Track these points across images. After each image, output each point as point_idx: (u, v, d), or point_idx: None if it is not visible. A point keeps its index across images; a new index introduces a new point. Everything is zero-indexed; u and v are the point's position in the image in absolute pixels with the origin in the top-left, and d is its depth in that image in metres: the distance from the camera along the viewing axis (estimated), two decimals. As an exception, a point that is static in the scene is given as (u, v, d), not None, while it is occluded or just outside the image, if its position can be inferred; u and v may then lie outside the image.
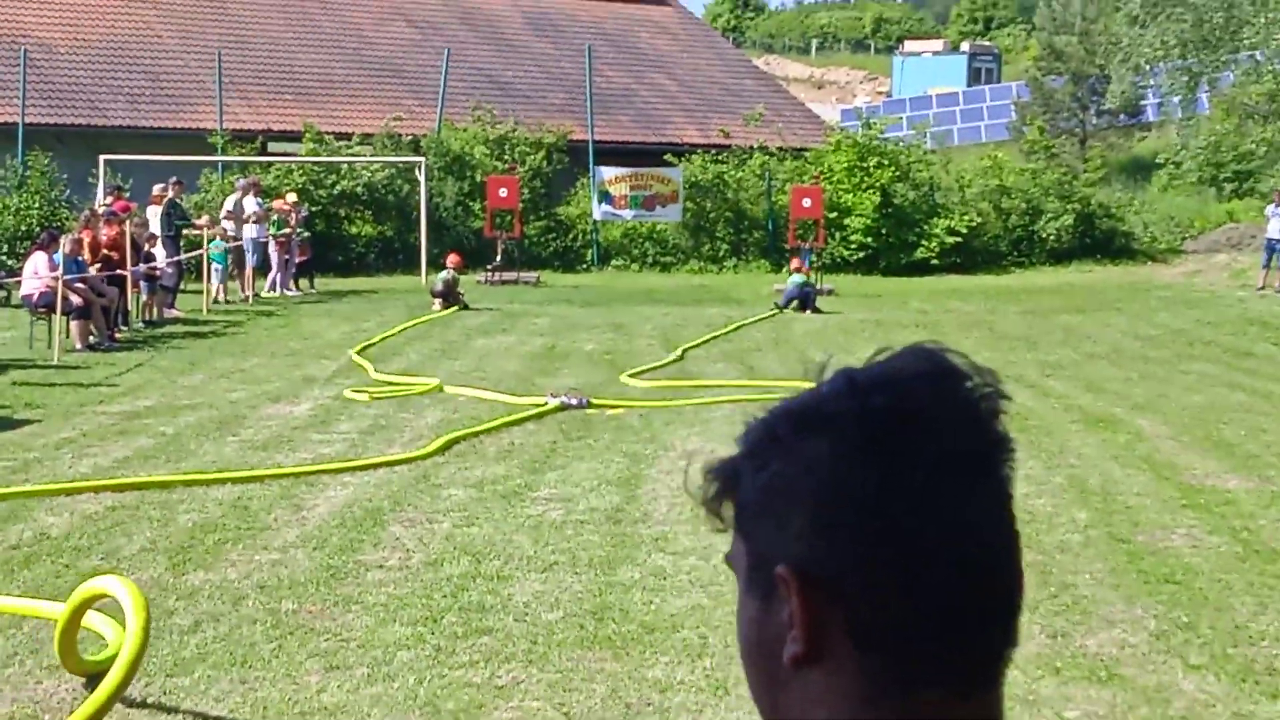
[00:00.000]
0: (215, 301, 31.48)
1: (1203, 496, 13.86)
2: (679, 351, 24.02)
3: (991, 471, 1.56)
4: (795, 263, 33.63)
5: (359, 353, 23.55)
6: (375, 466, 14.85)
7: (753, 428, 1.62)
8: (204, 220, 32.73)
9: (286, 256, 34.38)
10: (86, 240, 25.55)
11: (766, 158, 45.67)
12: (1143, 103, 58.34)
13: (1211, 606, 10.41)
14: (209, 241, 31.68)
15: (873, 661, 1.52)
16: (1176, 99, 47.29)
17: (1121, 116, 60.12)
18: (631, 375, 21.67)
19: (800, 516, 1.54)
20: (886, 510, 1.51)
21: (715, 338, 26.49)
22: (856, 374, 1.59)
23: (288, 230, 34.11)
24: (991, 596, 1.55)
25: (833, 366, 1.63)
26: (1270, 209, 37.64)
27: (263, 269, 34.05)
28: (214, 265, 32.11)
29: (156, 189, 31.59)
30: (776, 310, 30.98)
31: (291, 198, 35.80)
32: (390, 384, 20.51)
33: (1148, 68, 47.16)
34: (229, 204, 34.00)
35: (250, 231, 33.12)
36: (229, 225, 33.19)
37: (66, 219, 33.23)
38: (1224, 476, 14.90)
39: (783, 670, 1.55)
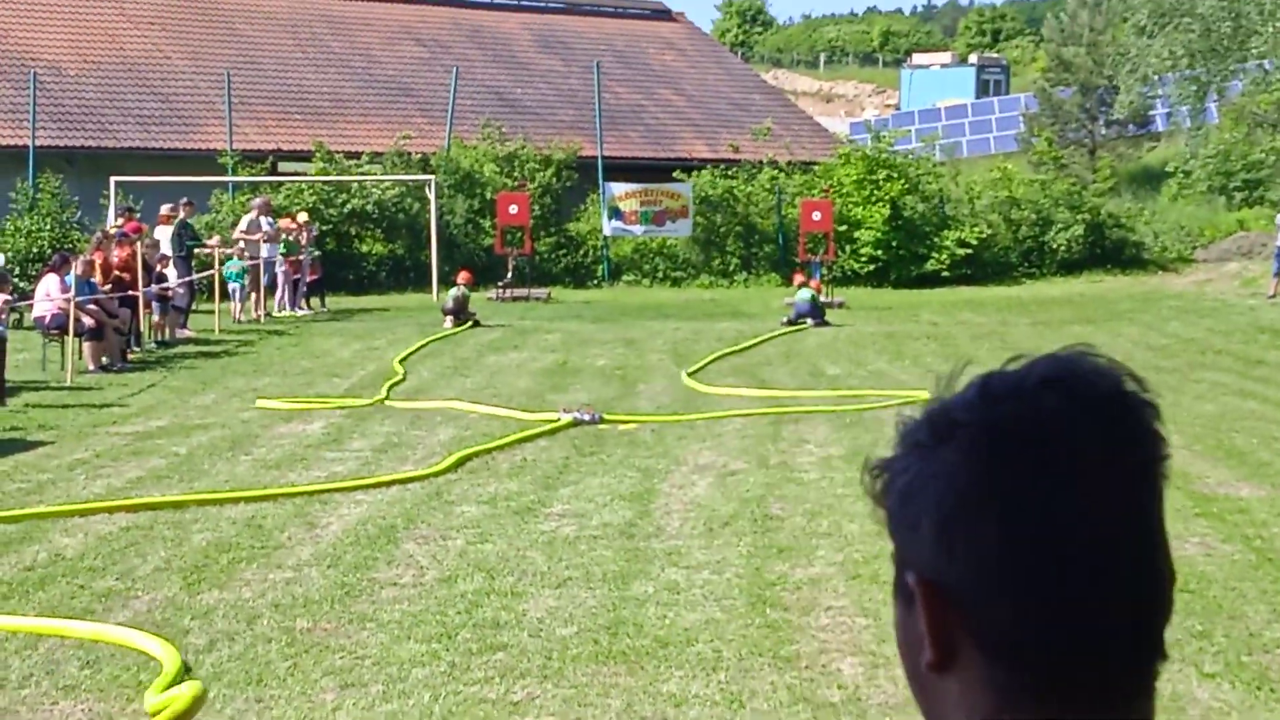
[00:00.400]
0: (235, 321, 31.61)
1: (1215, 505, 13.85)
2: (690, 370, 23.96)
3: (1127, 481, 1.53)
4: (800, 279, 33.54)
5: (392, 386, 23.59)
6: (388, 484, 14.87)
7: (902, 431, 1.62)
8: (215, 240, 32.75)
9: (297, 276, 34.42)
10: (98, 262, 25.59)
11: (776, 172, 45.68)
12: (1151, 113, 58.31)
13: (1225, 615, 10.40)
14: (224, 261, 31.72)
15: (1002, 673, 1.51)
16: (1185, 108, 47.28)
17: (1130, 127, 60.07)
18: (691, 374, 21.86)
19: (929, 524, 1.54)
20: (1010, 520, 1.49)
21: (731, 353, 26.45)
22: (990, 380, 1.57)
23: (299, 249, 34.15)
24: (1127, 608, 1.52)
25: (967, 373, 1.62)
26: (1279, 217, 37.60)
27: (274, 288, 34.09)
28: (231, 285, 32.20)
29: (165, 209, 31.64)
30: (792, 327, 30.82)
31: (302, 217, 35.84)
32: (317, 400, 20.70)
33: (1156, 78, 47.14)
34: (243, 223, 34.05)
35: (262, 251, 33.17)
36: (243, 244, 33.23)
37: (78, 241, 33.27)
38: (1236, 485, 14.89)
39: (924, 675, 1.56)
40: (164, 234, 30.58)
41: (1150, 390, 1.58)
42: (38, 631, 9.93)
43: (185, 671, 9.00)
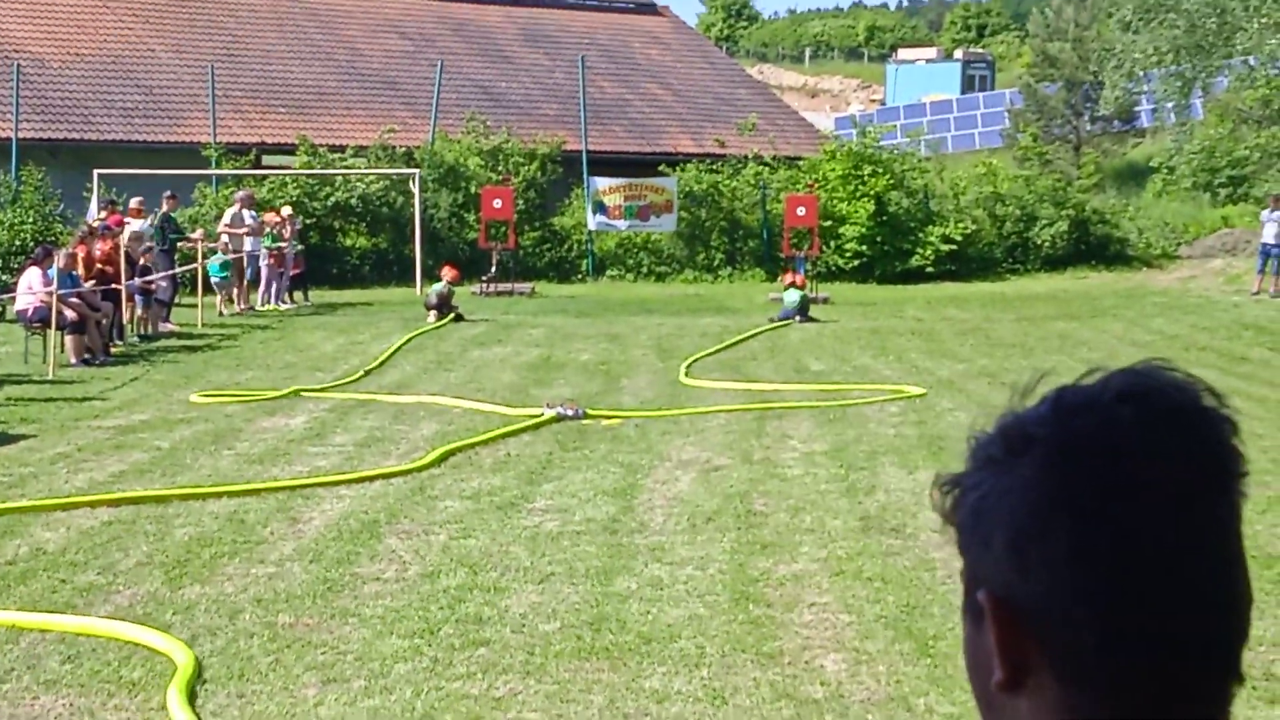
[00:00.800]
0: (220, 315, 31.60)
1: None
2: (684, 366, 23.91)
3: (1204, 498, 1.50)
4: (789, 277, 33.48)
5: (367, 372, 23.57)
6: (371, 479, 14.84)
7: (975, 445, 1.59)
8: (199, 235, 32.67)
9: (281, 269, 34.36)
10: (81, 255, 25.52)
11: (761, 167, 45.68)
12: (1136, 109, 58.38)
13: (1209, 612, 10.37)
14: (207, 255, 31.66)
15: (1073, 694, 1.49)
16: (1170, 105, 47.33)
17: (1115, 123, 60.11)
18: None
19: (1001, 540, 1.52)
20: (1085, 537, 1.47)
21: (716, 351, 26.39)
22: (1064, 394, 1.55)
23: (282, 243, 34.09)
24: (1205, 630, 1.49)
25: (1043, 384, 1.60)
26: (1265, 214, 37.66)
27: (256, 282, 34.04)
28: (214, 279, 32.14)
29: (134, 202, 31.45)
30: (778, 324, 30.79)
31: (286, 210, 35.75)
32: (244, 392, 20.77)
33: (1141, 74, 47.15)
34: (227, 217, 33.99)
35: (245, 245, 33.12)
36: (226, 238, 33.18)
37: (61, 234, 33.24)
38: (1220, 482, 14.85)
39: (992, 694, 1.53)
40: (136, 227, 30.41)
41: (1228, 405, 1.56)
42: (72, 629, 9.90)
43: (199, 670, 8.98)
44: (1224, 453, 1.52)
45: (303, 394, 20.54)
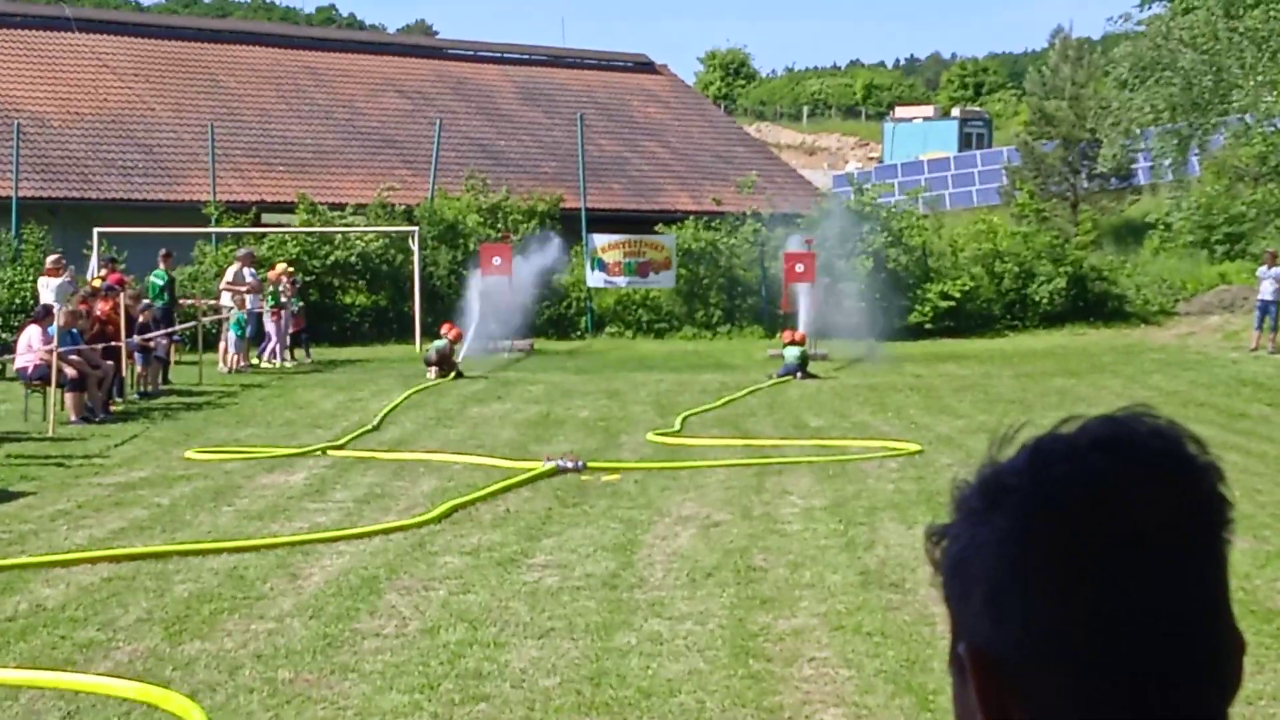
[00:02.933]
0: (230, 371, 31.76)
1: (1198, 557, 13.82)
2: (678, 420, 23.96)
3: (1187, 547, 1.48)
4: (788, 335, 33.46)
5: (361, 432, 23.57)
6: (371, 535, 14.83)
7: (957, 496, 1.58)
8: (197, 298, 32.78)
9: (279, 326, 34.39)
10: (84, 313, 25.59)
11: (759, 224, 45.76)
12: (1133, 166, 58.51)
13: (1209, 666, 10.37)
14: (205, 314, 31.72)
15: None
16: (1167, 162, 47.46)
17: (1112, 180, 60.24)
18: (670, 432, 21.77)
19: (980, 593, 1.51)
20: (1062, 590, 1.46)
21: (717, 406, 26.39)
22: (1041, 443, 1.53)
23: (283, 301, 34.16)
24: (1188, 682, 1.46)
25: (1021, 433, 1.58)
26: (1262, 270, 37.74)
27: (256, 339, 34.10)
28: (232, 335, 32.33)
29: (50, 261, 30.94)
30: (778, 380, 30.78)
31: (281, 266, 35.78)
32: (250, 448, 20.80)
33: (1138, 131, 47.30)
34: (229, 275, 34.05)
35: (246, 303, 33.18)
36: (227, 297, 33.26)
37: (67, 299, 33.33)
38: (1220, 537, 14.86)
39: None
40: (47, 286, 29.93)
41: (1210, 452, 1.54)
42: (71, 687, 9.88)
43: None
44: (1206, 500, 1.51)
45: (329, 452, 20.60)
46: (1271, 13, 39.73)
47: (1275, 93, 38.39)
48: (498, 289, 37.68)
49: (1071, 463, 1.50)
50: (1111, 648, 1.45)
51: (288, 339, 34.72)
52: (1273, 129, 41.85)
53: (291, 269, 36.06)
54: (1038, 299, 45.66)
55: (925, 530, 1.62)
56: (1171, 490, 1.49)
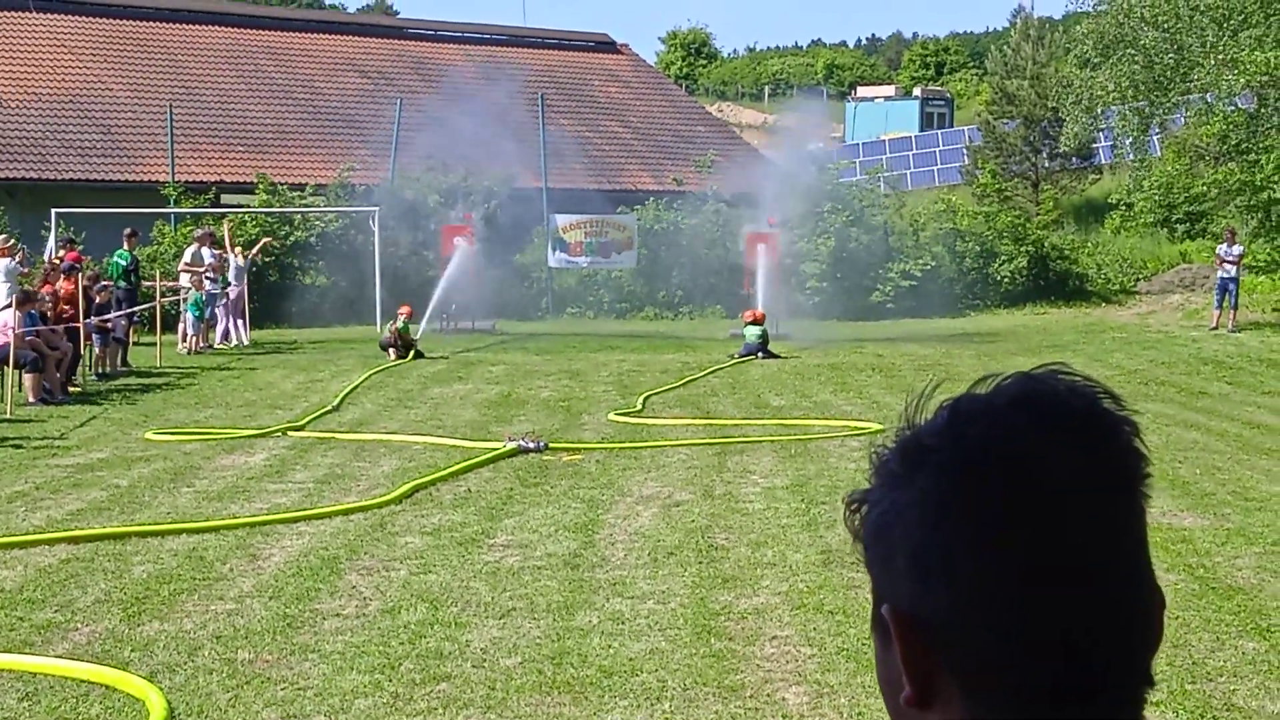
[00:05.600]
0: (191, 352, 31.61)
1: (1159, 535, 13.87)
2: (640, 401, 23.94)
3: (1106, 503, 1.47)
4: (750, 314, 33.42)
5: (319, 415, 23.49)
6: (331, 515, 14.78)
7: (876, 462, 1.57)
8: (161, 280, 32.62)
9: (228, 305, 34.22)
10: (46, 294, 25.45)
11: (720, 204, 45.72)
12: (1095, 145, 58.59)
13: (1169, 643, 10.41)
14: (164, 294, 31.58)
15: (982, 707, 1.46)
16: (1129, 141, 47.47)
17: (1074, 159, 60.33)
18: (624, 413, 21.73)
19: (901, 556, 1.50)
20: (984, 548, 1.45)
21: (678, 385, 26.37)
22: (959, 403, 1.53)
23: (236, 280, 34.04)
24: (1111, 636, 1.46)
25: (939, 394, 1.57)
26: (1222, 249, 37.86)
27: (215, 320, 33.96)
28: (190, 316, 32.16)
29: None
30: (739, 360, 30.77)
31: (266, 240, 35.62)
32: (209, 430, 20.70)
33: (1099, 110, 47.34)
34: (187, 255, 33.88)
35: (204, 284, 33.04)
36: (186, 278, 33.10)
37: (20, 280, 33.10)
38: (1180, 515, 14.93)
39: (903, 710, 1.51)
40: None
41: (1127, 406, 1.54)
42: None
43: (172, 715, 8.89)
44: (1124, 456, 1.50)
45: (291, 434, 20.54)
46: (1232, -9, 39.86)
47: (1236, 71, 38.43)
48: (459, 269, 37.59)
49: (990, 421, 1.49)
50: (1036, 605, 1.44)
51: (245, 318, 34.51)
52: (1233, 108, 41.90)
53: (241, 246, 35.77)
54: (999, 278, 45.79)
55: (844, 499, 1.61)
56: (1090, 446, 1.48)
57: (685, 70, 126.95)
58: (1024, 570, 1.44)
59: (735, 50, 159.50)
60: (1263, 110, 41.03)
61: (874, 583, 1.55)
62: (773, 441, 19.74)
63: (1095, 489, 1.47)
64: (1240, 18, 40.16)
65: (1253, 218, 41.15)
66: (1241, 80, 38.73)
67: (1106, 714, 1.47)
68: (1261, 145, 39.95)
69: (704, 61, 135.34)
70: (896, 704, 1.52)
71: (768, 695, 9.21)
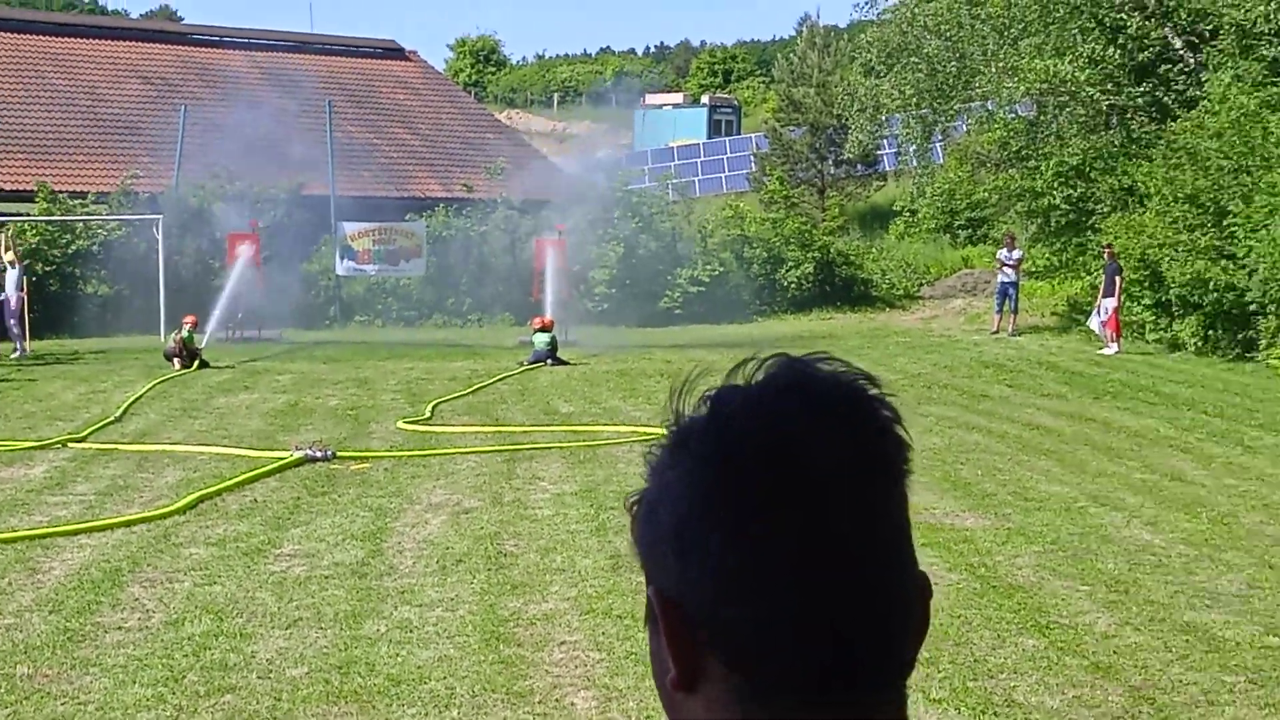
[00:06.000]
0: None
1: (941, 535, 14.11)
2: (429, 408, 23.85)
3: (866, 487, 1.49)
4: (538, 321, 33.39)
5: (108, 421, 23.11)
6: (113, 527, 14.55)
7: (651, 462, 1.58)
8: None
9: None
10: None
11: (510, 211, 45.67)
12: (879, 152, 59.34)
13: (951, 641, 10.58)
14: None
15: (745, 688, 1.47)
16: (912, 148, 48.14)
17: (859, 166, 61.07)
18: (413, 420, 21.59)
19: (666, 542, 1.51)
20: (744, 532, 1.45)
21: (467, 393, 26.29)
22: (721, 391, 1.53)
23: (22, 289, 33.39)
24: (869, 618, 1.47)
25: (699, 383, 1.58)
26: (1002, 253, 38.51)
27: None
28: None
29: None
30: (528, 367, 30.73)
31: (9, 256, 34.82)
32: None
33: (884, 118, 47.96)
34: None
35: None
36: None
37: None
38: (962, 515, 15.19)
39: (672, 694, 1.52)
40: None
41: (889, 393, 1.56)
42: None
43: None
44: (883, 439, 1.52)
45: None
46: (1012, 0, 40.53)
47: (1016, 79, 39.13)
48: (244, 277, 37.22)
49: (751, 407, 1.51)
50: (800, 590, 1.46)
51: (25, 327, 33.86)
52: (1014, 115, 42.65)
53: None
54: (786, 284, 46.24)
55: (624, 503, 1.62)
56: (851, 431, 1.50)
57: (474, 77, 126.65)
58: (786, 557, 1.45)
59: (524, 58, 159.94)
60: (1042, 117, 41.80)
61: (644, 570, 1.56)
62: (562, 448, 19.77)
63: (856, 474, 1.48)
64: (1020, 26, 40.92)
65: (1032, 223, 41.91)
66: (1021, 88, 39.45)
67: (869, 698, 1.49)
68: (1041, 152, 40.69)
69: (493, 69, 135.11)
70: (667, 692, 1.53)
71: (556, 700, 9.23)
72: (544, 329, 32.35)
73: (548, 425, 22.30)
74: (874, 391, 1.55)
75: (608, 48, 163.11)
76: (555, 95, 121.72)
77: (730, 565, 1.47)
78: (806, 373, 1.54)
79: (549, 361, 31.12)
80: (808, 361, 1.56)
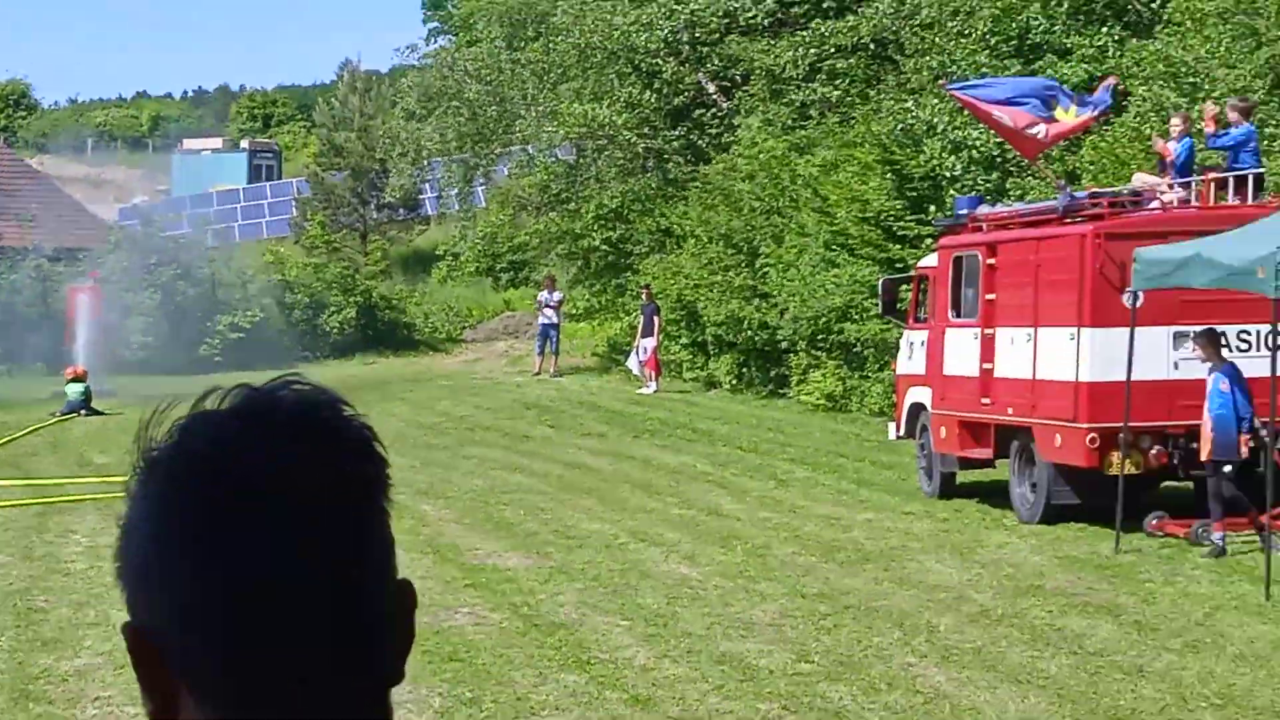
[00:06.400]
0: None
1: (484, 575, 14.18)
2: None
3: (330, 510, 1.45)
4: (70, 371, 32.49)
5: None
6: None
7: (127, 490, 1.52)
8: None
9: None
10: None
11: (41, 259, 44.42)
12: (421, 196, 59.47)
13: (494, 680, 10.62)
14: None
15: (212, 712, 1.43)
16: (454, 192, 48.39)
17: (401, 210, 61.07)
18: None
19: (131, 573, 1.48)
20: (194, 557, 1.42)
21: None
22: (184, 420, 1.50)
23: None
24: (328, 637, 1.43)
25: (171, 413, 1.53)
26: (543, 296, 38.95)
27: None
28: None
29: None
30: (63, 418, 29.89)
31: None
32: None
33: (426, 162, 48.11)
34: None
35: None
36: None
37: None
38: (505, 555, 15.29)
39: None
40: None
41: (360, 414, 1.53)
42: None
43: None
44: (354, 462, 1.50)
45: None
46: (551, 45, 41.07)
47: (556, 123, 39.66)
48: None
49: (209, 431, 1.48)
50: (241, 612, 1.42)
51: None
52: (554, 159, 43.20)
53: None
54: (329, 329, 45.99)
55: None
56: (317, 453, 1.47)
57: (4, 123, 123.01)
58: (230, 578, 1.42)
59: (56, 102, 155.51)
60: (582, 160, 42.43)
61: (124, 600, 1.50)
62: (96, 500, 19.26)
63: (308, 492, 1.45)
64: (560, 71, 41.53)
65: (573, 265, 42.52)
66: (561, 131, 40.04)
67: (347, 715, 1.47)
68: (581, 195, 41.30)
69: (23, 113, 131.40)
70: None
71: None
72: (77, 379, 31.51)
73: (82, 477, 21.73)
74: (343, 410, 1.52)
75: (144, 92, 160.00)
76: (90, 140, 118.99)
77: (180, 589, 1.43)
78: (266, 395, 1.51)
79: (83, 412, 30.33)
80: (272, 385, 1.53)
